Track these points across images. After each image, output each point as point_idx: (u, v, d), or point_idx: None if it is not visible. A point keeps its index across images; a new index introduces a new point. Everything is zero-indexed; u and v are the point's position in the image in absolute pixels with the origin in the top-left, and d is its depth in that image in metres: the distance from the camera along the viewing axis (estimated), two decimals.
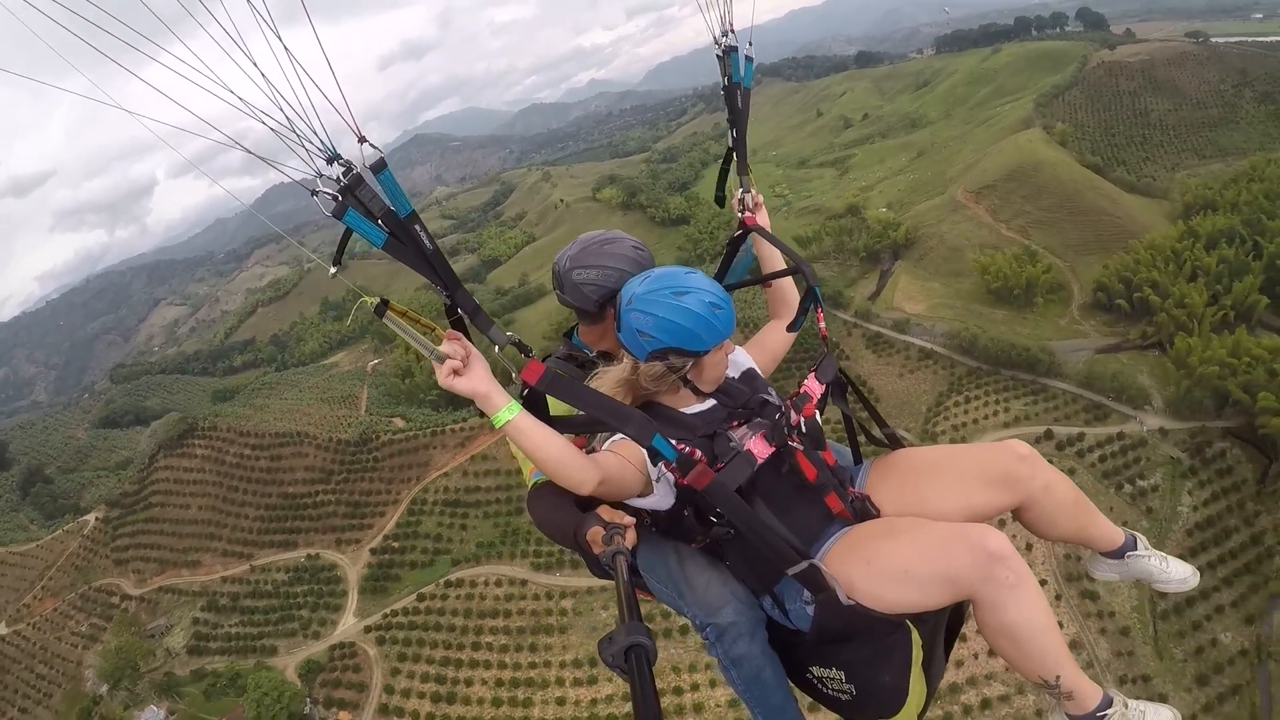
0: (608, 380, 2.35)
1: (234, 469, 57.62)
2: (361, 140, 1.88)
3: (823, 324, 2.82)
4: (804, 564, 2.19)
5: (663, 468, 2.25)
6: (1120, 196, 70.86)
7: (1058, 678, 2.17)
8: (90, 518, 64.83)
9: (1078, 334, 55.46)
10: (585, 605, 40.07)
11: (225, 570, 51.84)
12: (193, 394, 77.10)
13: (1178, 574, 2.73)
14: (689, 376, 2.41)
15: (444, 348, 2.00)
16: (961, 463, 2.45)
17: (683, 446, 2.24)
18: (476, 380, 2.03)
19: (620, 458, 2.28)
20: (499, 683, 36.74)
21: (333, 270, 2.08)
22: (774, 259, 3.02)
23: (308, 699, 38.93)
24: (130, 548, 58.25)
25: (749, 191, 2.99)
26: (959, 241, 66.34)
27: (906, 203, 78.50)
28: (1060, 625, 23.10)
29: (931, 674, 2.38)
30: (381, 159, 1.95)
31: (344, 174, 1.89)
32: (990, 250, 62.37)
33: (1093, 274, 58.87)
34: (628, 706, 35.41)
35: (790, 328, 2.92)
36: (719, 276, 2.85)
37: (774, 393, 2.58)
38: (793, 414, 2.42)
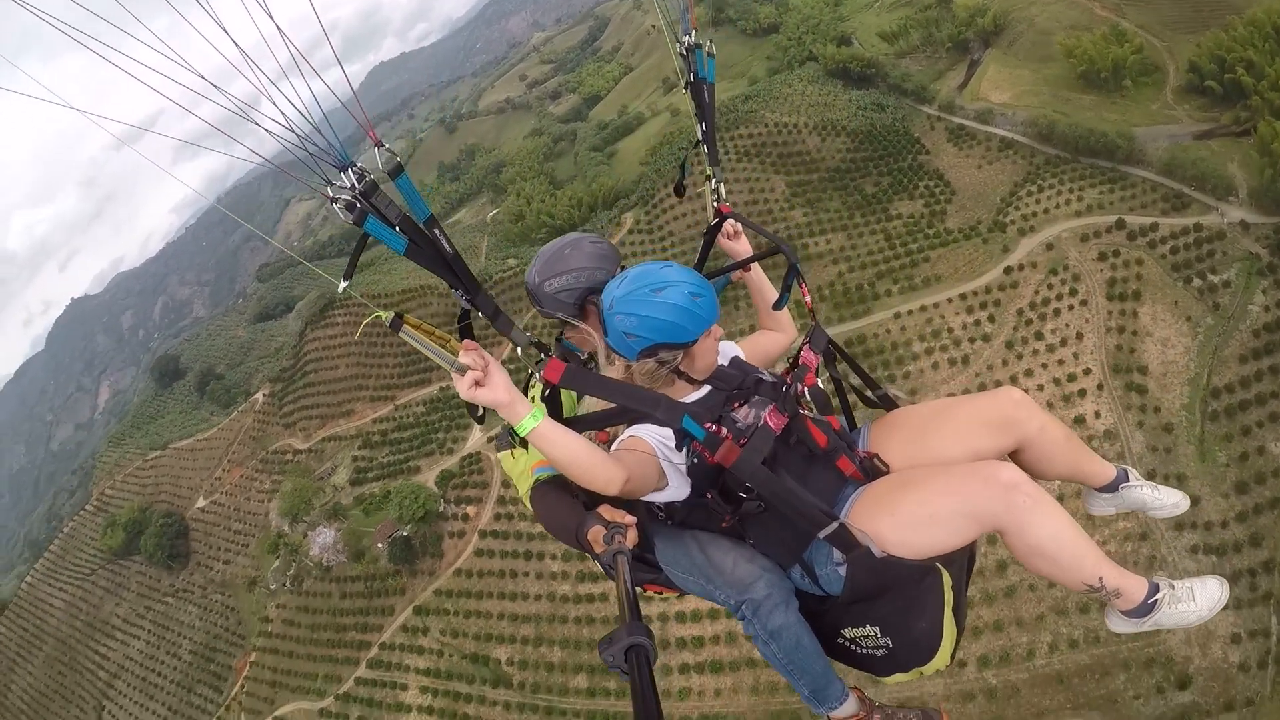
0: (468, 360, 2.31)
1: (369, 328, 71.27)
2: (378, 145, 2.03)
3: (807, 297, 3.15)
4: (834, 525, 2.41)
5: (672, 458, 2.54)
6: None
7: (1101, 579, 2.46)
8: (259, 396, 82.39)
9: (1169, 119, 54.08)
10: None
11: (374, 414, 66.27)
12: (333, 275, 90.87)
13: (1169, 500, 3.05)
14: (681, 368, 2.62)
15: (463, 359, 2.10)
16: (960, 412, 2.78)
17: (710, 425, 2.49)
18: (499, 390, 2.13)
19: (637, 454, 2.50)
20: None
21: (342, 285, 2.18)
22: (742, 250, 3.32)
23: (441, 499, 51.92)
24: (294, 412, 74.42)
25: (722, 182, 3.28)
26: (1049, 24, 64.22)
27: None
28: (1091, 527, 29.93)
29: (959, 615, 2.63)
30: (399, 164, 2.10)
31: (358, 180, 2.02)
32: (1078, 32, 60.26)
33: (1190, 55, 56.03)
34: None
35: (775, 305, 3.28)
36: (698, 265, 3.14)
37: (766, 372, 2.87)
38: (797, 385, 2.73)
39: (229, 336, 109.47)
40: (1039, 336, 43.65)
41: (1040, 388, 41.34)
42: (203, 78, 1.77)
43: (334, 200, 2.03)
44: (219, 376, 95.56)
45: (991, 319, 45.43)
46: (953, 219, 53.07)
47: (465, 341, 2.23)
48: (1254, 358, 39.07)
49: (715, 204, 3.35)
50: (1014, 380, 41.94)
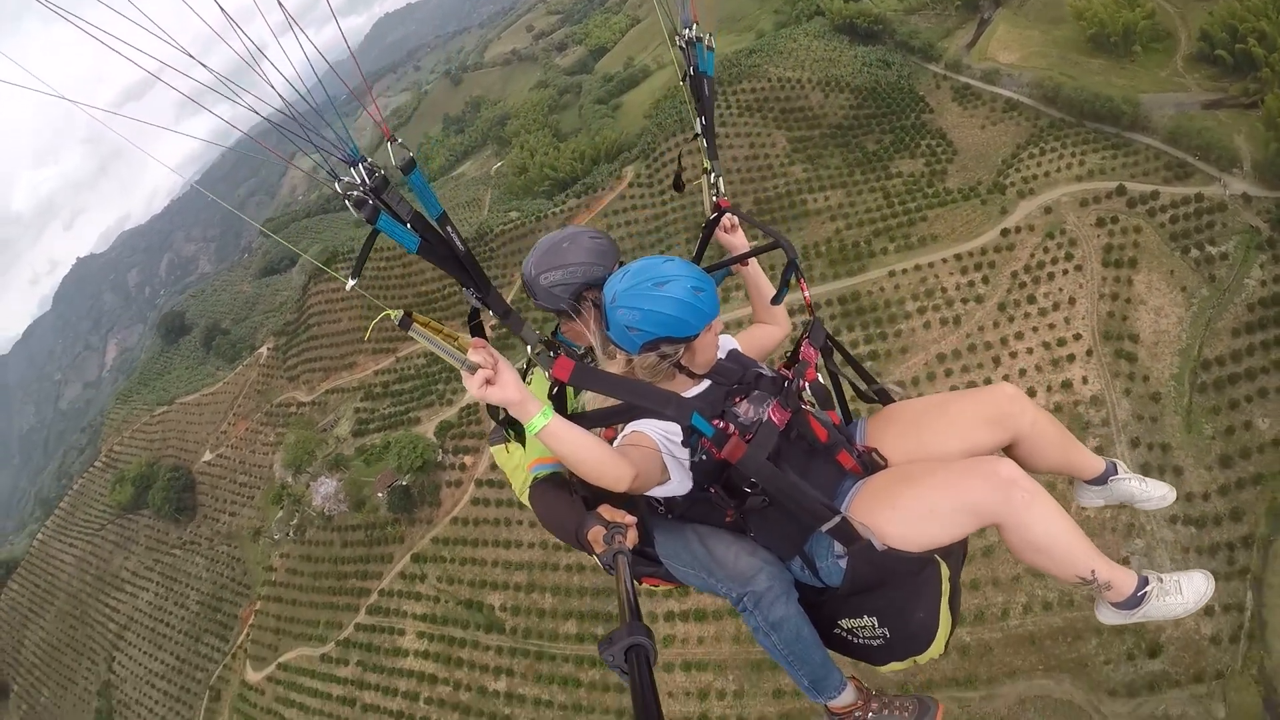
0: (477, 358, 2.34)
1: (374, 281, 72.31)
2: (391, 139, 2.06)
3: (806, 293, 3.27)
4: (836, 519, 2.51)
5: (675, 452, 2.59)
6: None
7: (1093, 572, 2.58)
8: (263, 350, 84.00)
9: (1178, 87, 53.54)
10: None
11: (376, 365, 67.86)
12: (338, 228, 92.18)
13: (1157, 492, 3.16)
14: (682, 362, 2.67)
15: (473, 357, 2.11)
16: (956, 408, 2.86)
17: (718, 422, 2.56)
18: (509, 389, 2.16)
19: (642, 449, 2.54)
20: None
21: (350, 283, 2.20)
22: (739, 244, 3.37)
23: (439, 449, 53.48)
24: (298, 365, 75.94)
25: (720, 176, 3.36)
26: None
27: None
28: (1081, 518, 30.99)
29: (954, 605, 2.76)
30: (411, 159, 2.11)
31: (368, 175, 1.99)
32: None
33: (1202, 22, 55.24)
34: None
35: (774, 300, 3.34)
36: (696, 257, 3.16)
37: (764, 366, 2.96)
38: (799, 380, 2.80)
39: (234, 292, 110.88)
40: (1031, 300, 44.00)
41: (1030, 351, 41.90)
42: (201, 62, 1.85)
43: (346, 197, 2.03)
44: (224, 331, 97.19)
45: (985, 280, 45.73)
46: (953, 179, 53.06)
47: (474, 339, 2.24)
48: (1247, 331, 39.35)
49: (714, 198, 3.42)
50: (1004, 342, 42.58)
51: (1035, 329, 42.84)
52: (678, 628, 39.17)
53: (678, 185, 3.68)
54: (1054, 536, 2.53)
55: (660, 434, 2.60)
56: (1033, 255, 46.09)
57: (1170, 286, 42.45)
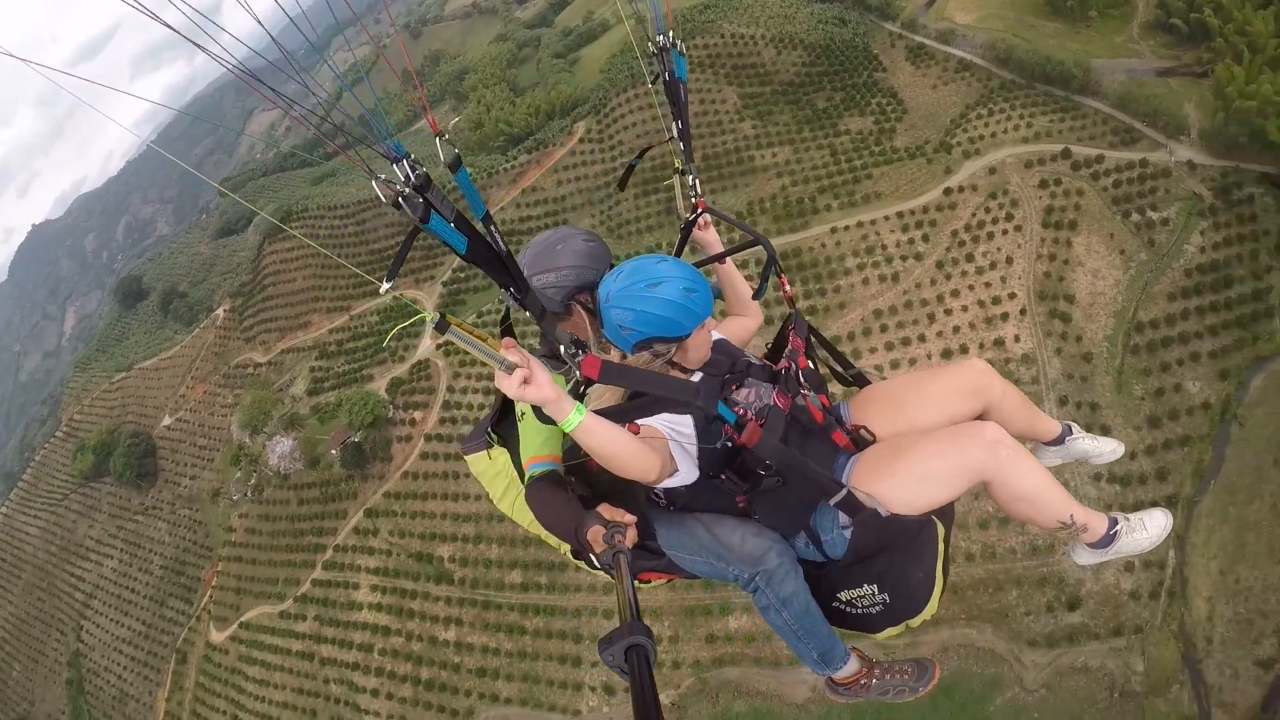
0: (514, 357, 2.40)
1: (328, 240, 72.80)
2: (440, 135, 2.07)
3: (787, 288, 3.45)
4: (843, 492, 2.76)
5: (682, 443, 2.76)
6: None
7: (1072, 517, 2.91)
8: (219, 312, 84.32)
9: (1132, 53, 54.62)
10: None
11: (330, 324, 68.81)
12: (296, 186, 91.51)
13: (1107, 448, 3.58)
14: (674, 359, 2.83)
15: (510, 357, 2.21)
16: (935, 384, 3.16)
17: (737, 409, 2.77)
18: (545, 388, 2.27)
19: (656, 441, 2.71)
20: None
21: (385, 286, 2.14)
22: (715, 247, 3.59)
23: (389, 405, 54.87)
24: (254, 326, 76.52)
25: (697, 179, 3.53)
26: None
27: None
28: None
29: (945, 567, 3.03)
30: (457, 155, 2.13)
31: (412, 171, 1.97)
32: None
33: None
34: None
35: (756, 295, 3.55)
36: (676, 256, 3.16)
37: (751, 355, 3.18)
38: (793, 366, 3.04)
39: (191, 254, 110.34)
40: (970, 259, 45.36)
41: (964, 309, 43.34)
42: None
43: (400, 196, 1.99)
44: (182, 294, 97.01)
45: (926, 238, 47.11)
46: (901, 138, 54.16)
47: (505, 340, 2.33)
48: (1183, 296, 40.79)
49: (691, 199, 3.58)
50: (940, 299, 44.13)
51: (971, 287, 44.21)
52: None
53: (622, 185, 3.76)
54: (1037, 488, 2.86)
55: (668, 426, 2.75)
56: (974, 215, 47.34)
57: (1109, 250, 43.74)
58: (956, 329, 42.79)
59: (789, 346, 3.19)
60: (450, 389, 53.61)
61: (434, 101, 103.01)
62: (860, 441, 3.06)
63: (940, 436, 2.89)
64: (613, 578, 2.20)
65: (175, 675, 63.29)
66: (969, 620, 35.14)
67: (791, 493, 2.86)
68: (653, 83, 3.45)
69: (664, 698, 37.56)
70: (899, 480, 2.82)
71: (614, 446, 2.50)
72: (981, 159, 50.39)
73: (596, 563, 2.65)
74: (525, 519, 3.39)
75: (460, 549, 47.28)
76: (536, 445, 3.02)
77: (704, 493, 2.93)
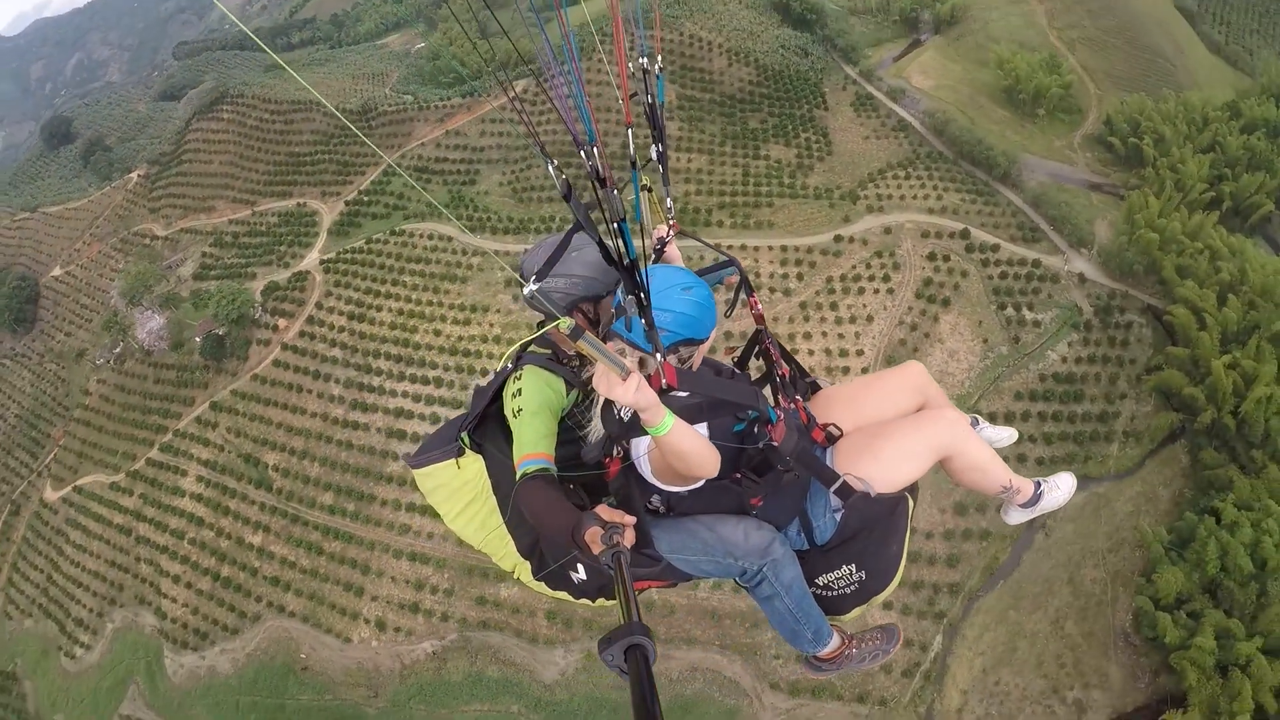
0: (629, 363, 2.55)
1: (253, 130, 74.36)
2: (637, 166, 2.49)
3: (759, 307, 3.77)
4: (840, 480, 3.23)
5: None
6: (1194, 50, 70.54)
7: (1010, 482, 3.70)
8: (134, 175, 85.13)
9: (1066, 160, 58.39)
10: (488, 263, 54.35)
11: (233, 215, 70.53)
12: (248, 69, 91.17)
13: (1004, 434, 4.42)
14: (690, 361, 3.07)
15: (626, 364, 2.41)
16: (885, 384, 3.83)
17: (778, 410, 3.11)
18: (648, 393, 2.47)
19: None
20: (399, 312, 52.93)
21: (530, 289, 2.57)
22: (676, 259, 4.03)
23: (257, 305, 57.48)
24: (163, 199, 77.72)
25: (674, 200, 3.83)
26: (999, 32, 68.54)
27: None
28: None
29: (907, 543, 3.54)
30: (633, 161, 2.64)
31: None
32: (1021, 49, 64.58)
33: (1111, 109, 60.62)
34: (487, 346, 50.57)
35: (727, 314, 3.64)
36: None
37: (728, 362, 3.56)
38: (784, 374, 3.48)
39: (128, 109, 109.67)
40: (834, 307, 48.25)
41: (811, 353, 46.12)
42: None
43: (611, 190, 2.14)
44: (106, 148, 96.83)
45: (800, 277, 50.05)
46: (816, 177, 57.15)
47: (610, 344, 2.65)
48: (1030, 398, 43.31)
49: (668, 220, 3.97)
50: (791, 338, 47.31)
51: (825, 334, 47.18)
52: (415, 520, 44.41)
53: (566, 195, 4.61)
54: (985, 459, 3.56)
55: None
56: (854, 267, 50.28)
57: (973, 335, 46.25)
58: None
59: (774, 359, 3.60)
60: (319, 305, 56.31)
61: (409, 20, 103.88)
62: (830, 437, 3.50)
63: (911, 422, 3.54)
64: (612, 577, 2.34)
65: (5, 525, 65.05)
66: (722, 648, 37.47)
67: (792, 486, 3.27)
68: (631, 98, 3.37)
69: (427, 645, 41.07)
70: (883, 462, 3.35)
71: (697, 446, 2.74)
72: (883, 216, 53.39)
73: (595, 565, 2.65)
74: (481, 538, 3.61)
75: (285, 460, 50.09)
76: (532, 442, 3.13)
77: (704, 495, 3.17)
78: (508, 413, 3.30)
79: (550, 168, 2.30)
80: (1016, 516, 4.03)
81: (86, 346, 70.09)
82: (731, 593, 37.65)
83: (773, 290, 49.70)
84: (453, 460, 3.53)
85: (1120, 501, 40.14)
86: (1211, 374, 40.65)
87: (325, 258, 60.62)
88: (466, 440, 3.53)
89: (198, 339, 57.72)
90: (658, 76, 3.61)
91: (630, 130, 2.78)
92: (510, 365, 3.55)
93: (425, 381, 49.59)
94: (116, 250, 77.34)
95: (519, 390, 3.29)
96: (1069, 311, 46.80)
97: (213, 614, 47.06)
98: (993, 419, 36.83)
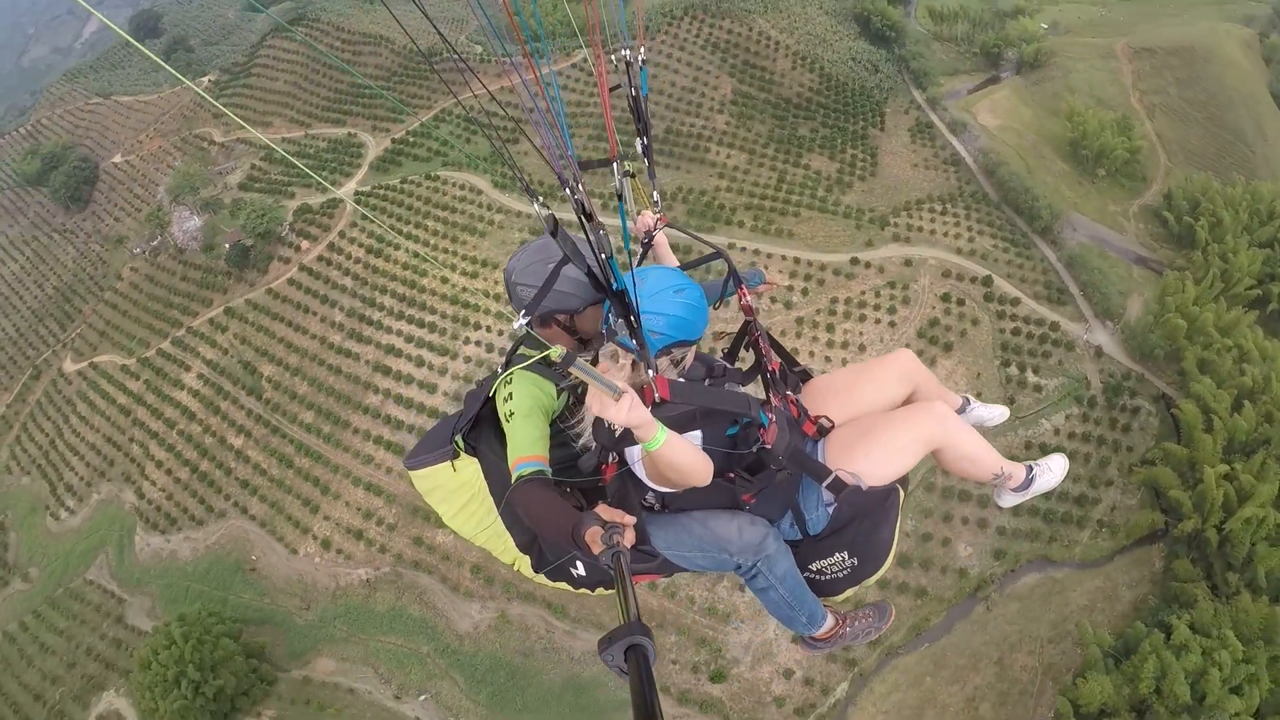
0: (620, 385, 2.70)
1: (321, 56, 79.38)
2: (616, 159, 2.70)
3: (747, 299, 4.00)
4: (832, 475, 3.47)
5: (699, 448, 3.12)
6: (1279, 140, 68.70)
7: (1002, 469, 3.94)
8: (206, 79, 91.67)
9: (1116, 226, 58.11)
10: (509, 221, 58.17)
11: (287, 133, 75.99)
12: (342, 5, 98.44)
13: (997, 412, 4.69)
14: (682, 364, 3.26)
15: (617, 384, 2.58)
16: (875, 371, 4.09)
17: (769, 413, 3.29)
18: (641, 410, 2.65)
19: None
20: (415, 254, 56.90)
21: (520, 323, 2.75)
22: (668, 259, 4.39)
23: (285, 224, 62.44)
24: (227, 106, 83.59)
25: (660, 193, 4.07)
26: (1081, 86, 68.70)
27: (1073, 33, 78.08)
28: None
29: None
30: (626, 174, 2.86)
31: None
32: (1095, 106, 64.84)
33: (1175, 183, 60.35)
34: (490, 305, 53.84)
35: (714, 305, 3.94)
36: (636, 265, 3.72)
37: (719, 360, 3.72)
38: (775, 370, 3.66)
39: (217, 13, 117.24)
40: (830, 329, 49.31)
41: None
42: None
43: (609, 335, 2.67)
44: (189, 49, 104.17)
45: (805, 293, 51.31)
46: (853, 196, 58.32)
47: (601, 365, 2.87)
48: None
49: (656, 214, 4.39)
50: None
51: (813, 354, 48.10)
52: (379, 453, 48.38)
53: (553, 232, 3.62)
54: (977, 449, 3.88)
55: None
56: (862, 292, 51.32)
57: (968, 386, 45.74)
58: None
59: (763, 352, 3.81)
60: (342, 234, 60.78)
61: None
62: (822, 429, 3.77)
63: (900, 415, 3.78)
64: (612, 577, 2.47)
65: (24, 387, 72.01)
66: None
67: (784, 482, 3.53)
68: (612, 90, 3.49)
69: (362, 572, 44.86)
70: (874, 456, 3.61)
71: (690, 458, 2.97)
72: (907, 248, 54.26)
73: (596, 564, 2.83)
74: (481, 536, 3.95)
75: (279, 373, 54.69)
76: (526, 445, 3.30)
77: (698, 492, 3.36)
78: (501, 415, 3.48)
79: (535, 205, 2.48)
80: (1010, 500, 4.33)
81: (129, 234, 76.34)
82: (647, 588, 38.33)
83: (773, 300, 51.11)
84: (448, 462, 3.80)
85: (1077, 593, 39.93)
86: (1203, 481, 39.40)
87: (360, 189, 65.13)
88: (460, 443, 3.78)
89: (227, 245, 62.71)
90: (640, 68, 3.77)
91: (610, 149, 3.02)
92: (500, 370, 3.71)
93: (420, 324, 53.33)
94: (175, 148, 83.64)
95: (510, 394, 3.47)
96: (1076, 383, 46.47)
97: (185, 503, 52.06)
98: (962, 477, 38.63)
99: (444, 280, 54.94)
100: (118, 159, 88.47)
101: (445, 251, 56.92)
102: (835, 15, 72.72)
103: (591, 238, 2.44)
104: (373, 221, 58.96)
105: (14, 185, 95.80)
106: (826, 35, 70.25)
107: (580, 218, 2.40)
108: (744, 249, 53.81)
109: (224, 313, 60.57)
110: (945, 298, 50.79)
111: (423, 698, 39.74)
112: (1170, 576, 39.63)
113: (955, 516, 41.35)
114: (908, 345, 48.25)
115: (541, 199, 2.54)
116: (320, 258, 59.80)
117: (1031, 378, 46.77)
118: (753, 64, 66.99)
